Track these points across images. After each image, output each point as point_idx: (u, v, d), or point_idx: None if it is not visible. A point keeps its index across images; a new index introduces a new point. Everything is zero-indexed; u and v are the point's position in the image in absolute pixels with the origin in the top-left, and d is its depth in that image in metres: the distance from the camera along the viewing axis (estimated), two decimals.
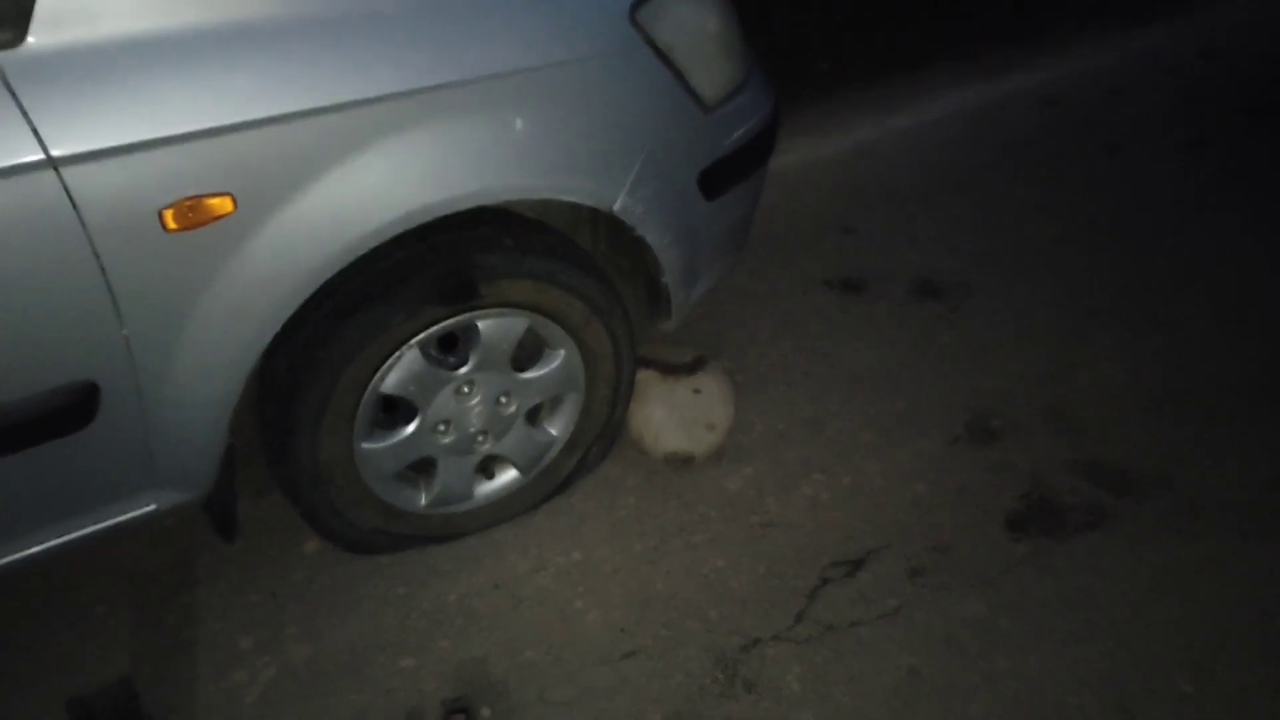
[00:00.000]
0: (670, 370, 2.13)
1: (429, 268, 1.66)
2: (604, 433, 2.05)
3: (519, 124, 1.58)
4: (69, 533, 1.54)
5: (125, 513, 1.58)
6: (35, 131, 1.23)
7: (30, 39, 1.25)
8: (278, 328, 1.52)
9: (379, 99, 1.44)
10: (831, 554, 1.88)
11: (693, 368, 2.15)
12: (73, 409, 1.44)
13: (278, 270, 1.47)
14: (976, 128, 3.27)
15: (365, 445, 1.76)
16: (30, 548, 1.54)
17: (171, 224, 1.36)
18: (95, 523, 1.56)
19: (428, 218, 1.55)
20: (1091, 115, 3.39)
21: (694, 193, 1.88)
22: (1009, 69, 3.62)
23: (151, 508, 1.62)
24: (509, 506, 2.02)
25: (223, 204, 1.39)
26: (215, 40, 1.34)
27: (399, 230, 1.53)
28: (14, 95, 1.23)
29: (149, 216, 1.35)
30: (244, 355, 1.52)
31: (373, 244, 1.52)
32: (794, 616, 1.76)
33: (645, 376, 2.12)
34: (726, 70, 1.86)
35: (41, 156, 1.24)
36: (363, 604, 1.82)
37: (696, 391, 2.09)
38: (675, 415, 2.06)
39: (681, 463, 2.07)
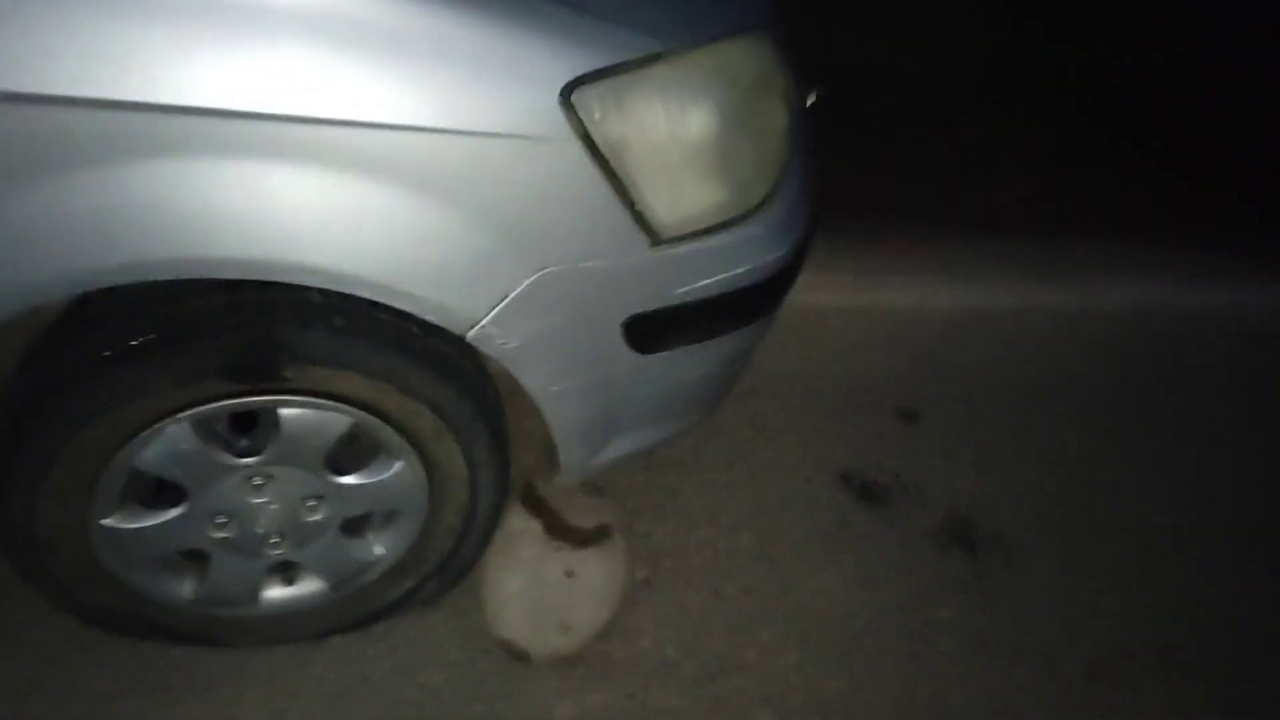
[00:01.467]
0: (558, 531, 1.66)
1: (221, 331, 1.26)
2: (445, 569, 1.60)
3: (344, 192, 1.15)
4: None
5: None
6: None
7: None
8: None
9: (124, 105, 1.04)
10: None
11: (588, 538, 1.66)
12: None
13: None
14: (1147, 339, 2.54)
15: (106, 522, 1.39)
16: None
17: None
18: None
19: (152, 277, 1.15)
20: None
21: (617, 340, 1.39)
22: (1232, 277, 2.82)
23: None
24: (297, 627, 1.61)
25: None
26: None
27: (104, 284, 1.15)
28: None
29: None
30: None
31: (76, 291, 1.15)
32: None
33: (525, 527, 1.66)
34: (705, 197, 1.36)
35: None
36: (55, 686, 1.47)
37: (570, 575, 1.61)
38: (529, 596, 1.59)
39: (516, 657, 1.59)
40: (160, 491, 1.41)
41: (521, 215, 1.23)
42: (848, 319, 2.40)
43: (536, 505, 1.68)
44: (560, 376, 1.39)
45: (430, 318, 1.26)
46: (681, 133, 1.30)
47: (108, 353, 1.25)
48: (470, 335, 1.28)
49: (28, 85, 1.02)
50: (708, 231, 1.37)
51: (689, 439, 2.03)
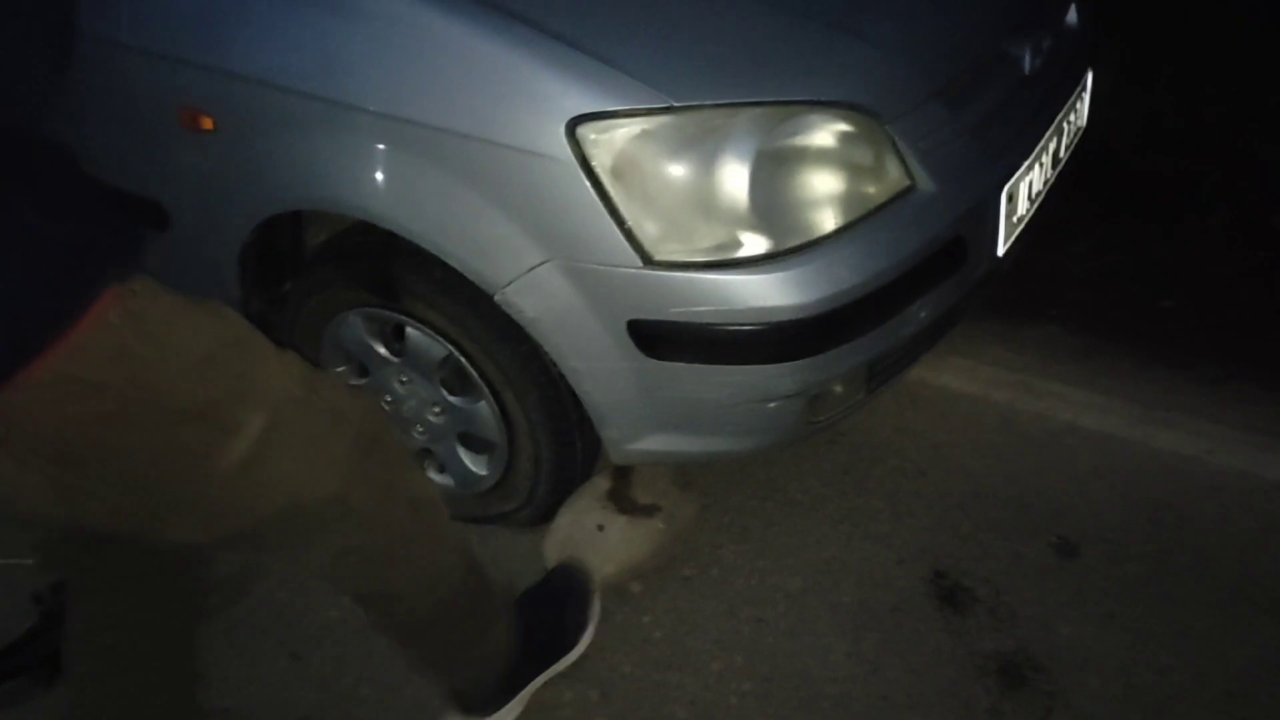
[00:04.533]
0: (616, 495, 1.97)
1: (372, 259, 1.87)
2: (531, 504, 2.02)
3: (422, 172, 1.66)
4: None
5: None
6: None
7: None
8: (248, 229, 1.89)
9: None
10: None
11: (631, 509, 1.95)
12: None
13: (241, 188, 1.87)
14: None
15: (339, 371, 2.09)
16: None
17: (180, 122, 1.85)
18: None
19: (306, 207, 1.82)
20: None
21: (624, 337, 1.68)
22: None
23: None
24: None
25: (206, 121, 1.82)
26: None
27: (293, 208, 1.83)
28: None
29: (171, 114, 1.85)
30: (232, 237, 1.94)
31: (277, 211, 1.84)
32: None
33: (599, 483, 2.00)
34: (698, 236, 1.59)
35: None
36: None
37: (600, 528, 1.91)
38: (565, 531, 1.94)
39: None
40: (363, 370, 2.08)
41: (531, 214, 1.61)
42: (1087, 441, 2.20)
43: (619, 471, 2.01)
44: (575, 355, 1.72)
45: (470, 276, 1.71)
46: (676, 177, 1.56)
47: (318, 259, 1.96)
48: (497, 298, 1.70)
49: (263, 74, 1.71)
50: (704, 266, 1.60)
51: (823, 486, 2.13)
